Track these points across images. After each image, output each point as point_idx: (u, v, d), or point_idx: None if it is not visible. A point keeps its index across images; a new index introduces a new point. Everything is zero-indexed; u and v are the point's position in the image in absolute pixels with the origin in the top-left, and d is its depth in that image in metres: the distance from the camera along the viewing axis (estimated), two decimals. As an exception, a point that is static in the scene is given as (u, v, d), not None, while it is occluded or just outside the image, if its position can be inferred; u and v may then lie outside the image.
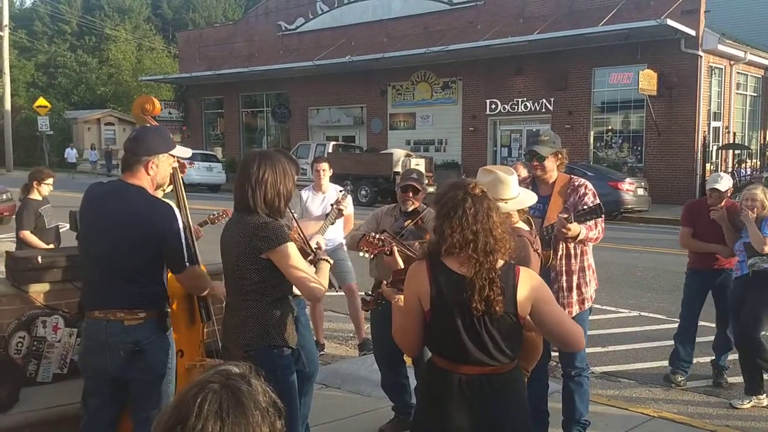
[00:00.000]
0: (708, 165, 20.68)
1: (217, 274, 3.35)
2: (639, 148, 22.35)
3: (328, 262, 3.36)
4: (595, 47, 21.98)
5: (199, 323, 3.83)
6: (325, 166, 6.36)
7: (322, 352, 6.23)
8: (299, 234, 3.58)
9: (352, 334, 7.03)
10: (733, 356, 5.86)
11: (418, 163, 20.79)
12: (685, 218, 5.95)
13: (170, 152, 3.22)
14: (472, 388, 2.52)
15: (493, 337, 2.50)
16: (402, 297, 2.75)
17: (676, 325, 6.06)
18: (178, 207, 3.43)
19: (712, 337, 5.95)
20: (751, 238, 5.22)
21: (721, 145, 22.64)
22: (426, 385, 2.74)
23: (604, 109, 23.11)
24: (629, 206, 18.03)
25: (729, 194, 5.73)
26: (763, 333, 5.33)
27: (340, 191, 5.73)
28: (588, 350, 5.09)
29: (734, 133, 23.45)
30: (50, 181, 6.82)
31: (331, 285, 3.70)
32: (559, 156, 4.18)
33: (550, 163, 4.15)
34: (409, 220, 4.35)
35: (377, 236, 3.71)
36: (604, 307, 8.11)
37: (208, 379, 1.38)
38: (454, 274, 2.52)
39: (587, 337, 4.46)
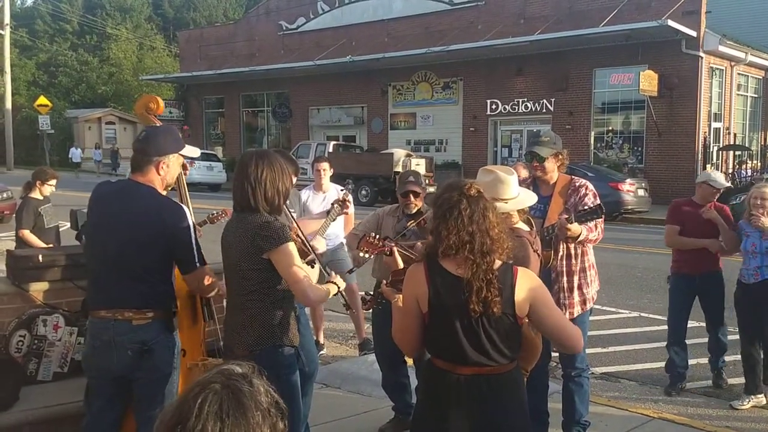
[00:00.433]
0: (708, 166, 20.64)
1: (218, 273, 3.35)
2: (639, 148, 22.37)
3: (337, 285, 3.28)
4: (595, 48, 21.98)
5: (201, 323, 3.83)
6: (325, 165, 6.36)
7: (321, 352, 6.23)
8: (298, 234, 3.58)
9: (352, 334, 7.04)
10: (731, 357, 5.87)
11: (419, 163, 20.81)
12: (671, 216, 5.68)
13: (180, 152, 3.19)
14: (471, 389, 2.52)
15: (491, 338, 2.49)
16: (401, 297, 2.75)
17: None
18: (182, 206, 3.43)
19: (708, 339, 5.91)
20: None
21: (721, 146, 22.65)
22: (425, 385, 2.74)
23: (605, 109, 23.12)
24: (629, 207, 18.02)
25: (719, 193, 5.58)
26: None
27: (341, 190, 5.73)
28: (588, 351, 5.08)
29: (735, 134, 23.48)
30: (53, 182, 6.82)
31: (346, 306, 3.66)
32: (560, 157, 4.17)
33: (551, 164, 4.14)
34: (412, 221, 4.35)
35: (377, 236, 3.71)
36: (604, 308, 8.11)
37: (210, 379, 1.37)
38: (452, 275, 2.51)
39: (587, 337, 4.48)
